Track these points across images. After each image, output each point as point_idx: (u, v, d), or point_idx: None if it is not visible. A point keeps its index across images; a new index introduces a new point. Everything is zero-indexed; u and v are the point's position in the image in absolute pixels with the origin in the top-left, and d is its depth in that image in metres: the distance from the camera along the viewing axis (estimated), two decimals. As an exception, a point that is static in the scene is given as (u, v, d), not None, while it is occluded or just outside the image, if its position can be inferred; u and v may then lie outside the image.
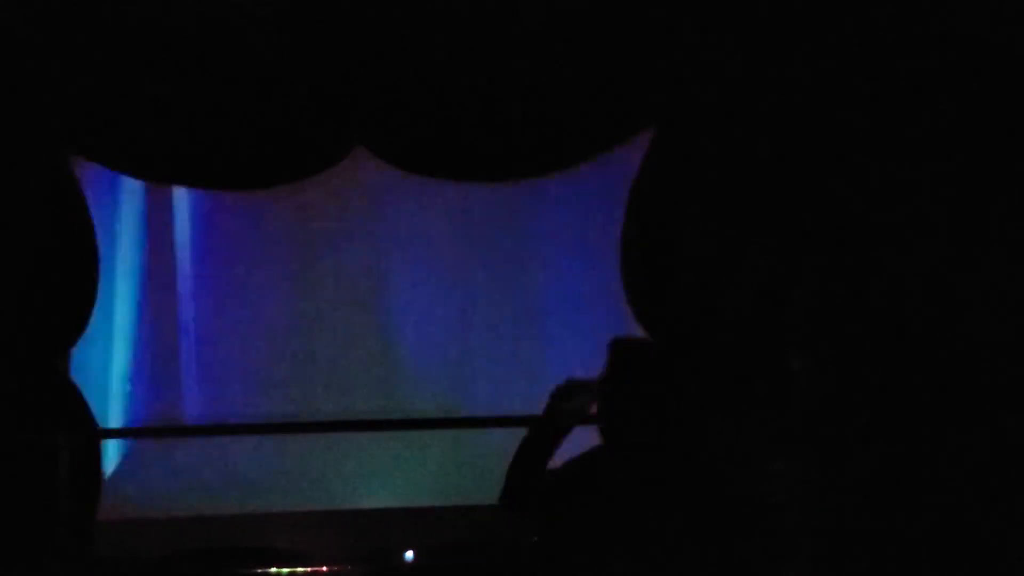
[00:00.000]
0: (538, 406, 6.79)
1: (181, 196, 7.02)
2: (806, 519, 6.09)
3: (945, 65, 6.43)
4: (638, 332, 6.87)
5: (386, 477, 7.04)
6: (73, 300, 6.61)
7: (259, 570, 6.51)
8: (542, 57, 6.61)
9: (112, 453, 7.26)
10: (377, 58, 6.61)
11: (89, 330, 6.57)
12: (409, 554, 6.74)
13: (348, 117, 6.70)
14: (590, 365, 6.97)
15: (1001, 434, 6.30)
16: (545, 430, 4.36)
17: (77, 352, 6.69)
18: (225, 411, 6.92)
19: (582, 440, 6.94)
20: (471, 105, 6.67)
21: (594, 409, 4.39)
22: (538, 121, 6.67)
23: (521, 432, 5.16)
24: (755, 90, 6.57)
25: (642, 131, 6.79)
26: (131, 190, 6.86)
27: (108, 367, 6.87)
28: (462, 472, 6.98)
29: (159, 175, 6.79)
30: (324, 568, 6.59)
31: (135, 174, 6.83)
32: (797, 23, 6.52)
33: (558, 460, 4.47)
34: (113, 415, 7.32)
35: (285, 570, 6.55)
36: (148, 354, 6.99)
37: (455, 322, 7.11)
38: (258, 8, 6.50)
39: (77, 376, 6.64)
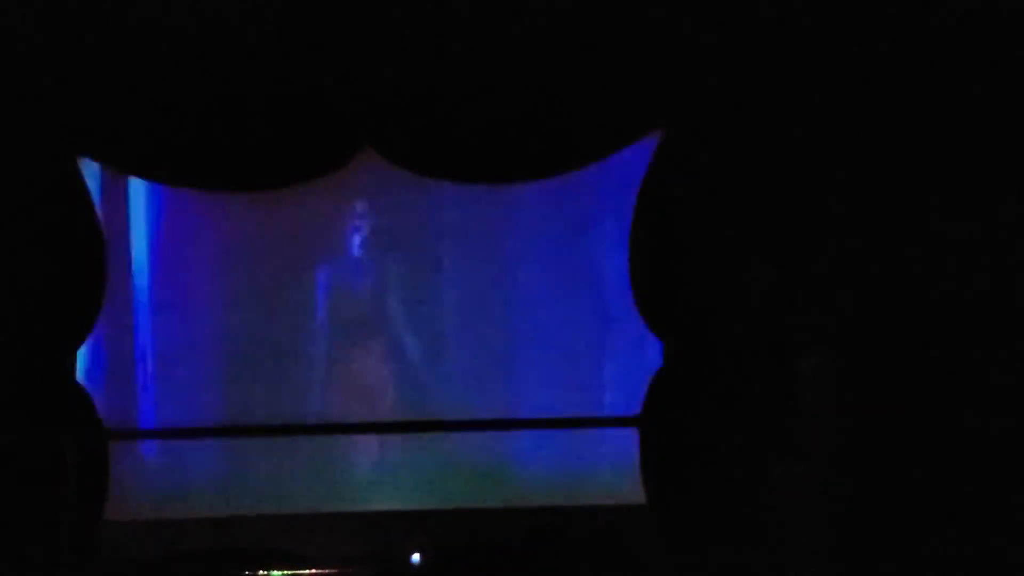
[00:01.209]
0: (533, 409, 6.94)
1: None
2: (811, 523, 6.03)
3: (951, 67, 6.39)
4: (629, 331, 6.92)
5: (388, 480, 7.04)
6: (80, 301, 6.65)
7: (263, 572, 6.52)
8: (549, 59, 6.61)
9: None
10: (384, 61, 6.62)
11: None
12: (416, 556, 6.73)
13: (355, 119, 6.73)
14: (584, 366, 7.06)
15: (1010, 436, 6.24)
16: None
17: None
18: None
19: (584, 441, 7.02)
20: (479, 107, 6.68)
21: None
22: (546, 123, 6.67)
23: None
24: (762, 92, 6.54)
25: (649, 133, 6.78)
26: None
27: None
28: (452, 475, 6.99)
29: (166, 176, 6.81)
30: (329, 570, 6.59)
31: (142, 175, 6.86)
32: (804, 26, 6.48)
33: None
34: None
35: (290, 572, 6.55)
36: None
37: (447, 324, 7.11)
38: (265, 11, 6.52)
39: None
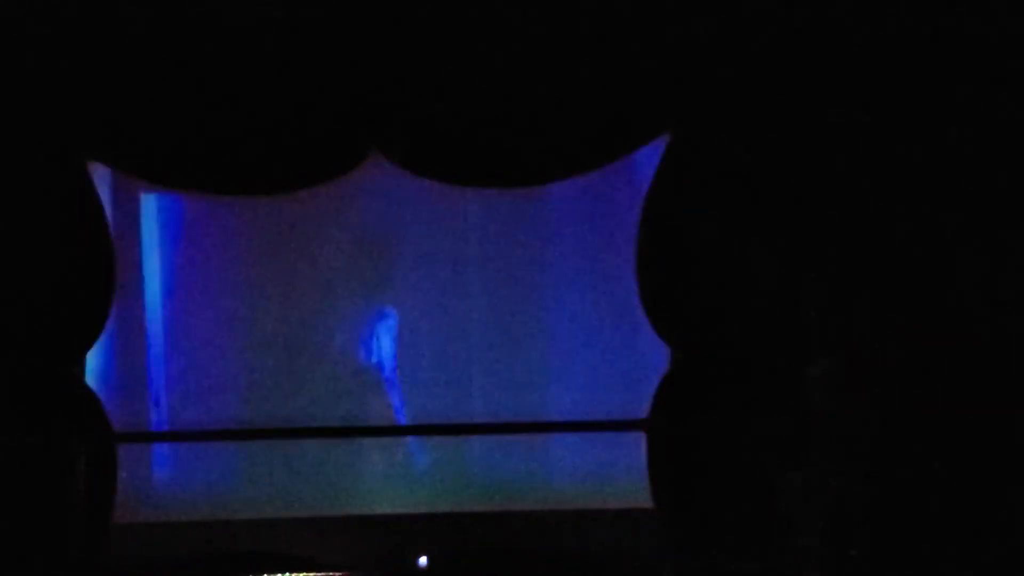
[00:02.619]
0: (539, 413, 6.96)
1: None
2: (818, 529, 6.05)
3: (962, 71, 6.39)
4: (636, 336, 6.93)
5: (396, 483, 7.06)
6: (89, 305, 6.66)
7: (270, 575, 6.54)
8: (557, 63, 6.61)
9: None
10: (393, 65, 6.63)
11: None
12: (423, 560, 6.75)
13: (364, 123, 6.74)
14: (591, 370, 7.06)
15: (1020, 443, 6.24)
16: None
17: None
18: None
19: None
20: (487, 111, 6.69)
21: None
22: (553, 126, 6.68)
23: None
24: (770, 95, 6.55)
25: (657, 137, 6.78)
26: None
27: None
28: (462, 478, 7.02)
29: (175, 181, 6.82)
30: (337, 574, 6.60)
31: (152, 180, 6.85)
32: (814, 30, 6.48)
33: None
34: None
35: (299, 575, 6.57)
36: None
37: (457, 329, 7.12)
38: (275, 17, 6.53)
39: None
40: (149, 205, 7.08)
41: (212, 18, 6.51)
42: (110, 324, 6.77)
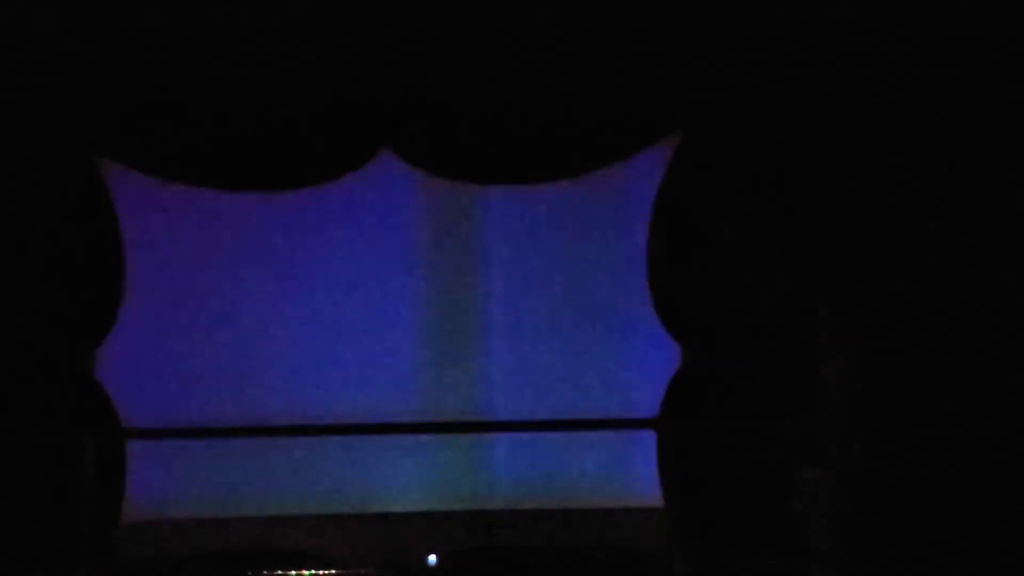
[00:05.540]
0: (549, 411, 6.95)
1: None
2: (830, 528, 6.01)
3: (975, 75, 6.37)
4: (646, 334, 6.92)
5: (401, 481, 7.05)
6: (99, 301, 6.69)
7: (279, 572, 6.53)
8: (569, 62, 6.62)
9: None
10: (405, 63, 6.64)
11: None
12: (432, 558, 6.74)
13: (375, 121, 6.76)
14: (601, 368, 7.06)
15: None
16: None
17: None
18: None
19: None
20: (499, 110, 6.70)
21: None
22: (564, 125, 6.70)
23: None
24: (782, 96, 6.54)
25: (669, 135, 6.78)
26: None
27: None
28: (471, 477, 7.01)
29: (186, 178, 6.82)
30: (346, 571, 6.60)
31: (163, 177, 6.85)
32: (827, 33, 6.47)
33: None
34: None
35: (306, 573, 6.56)
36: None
37: (468, 325, 7.11)
38: (287, 15, 6.54)
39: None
40: (157, 201, 7.08)
41: (224, 16, 6.52)
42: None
